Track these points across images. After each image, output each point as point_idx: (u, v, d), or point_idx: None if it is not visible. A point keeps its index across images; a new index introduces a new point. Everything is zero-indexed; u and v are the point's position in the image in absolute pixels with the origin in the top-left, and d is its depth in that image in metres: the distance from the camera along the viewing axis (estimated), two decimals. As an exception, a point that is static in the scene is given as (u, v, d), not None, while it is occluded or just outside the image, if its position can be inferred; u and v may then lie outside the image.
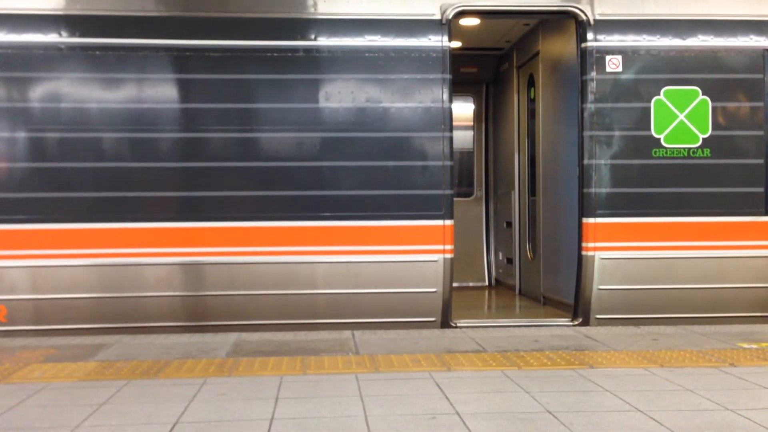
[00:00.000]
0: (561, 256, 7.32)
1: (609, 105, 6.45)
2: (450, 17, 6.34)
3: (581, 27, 6.48)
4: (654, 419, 3.60)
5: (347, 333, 5.91)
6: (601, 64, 6.44)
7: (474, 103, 9.74)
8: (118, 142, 6.19)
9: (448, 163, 6.32)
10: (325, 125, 6.26)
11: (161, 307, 6.17)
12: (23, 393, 4.16)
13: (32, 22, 6.09)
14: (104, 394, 4.13)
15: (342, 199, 6.29)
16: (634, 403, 3.88)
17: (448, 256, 6.31)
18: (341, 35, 6.31)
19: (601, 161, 6.44)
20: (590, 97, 6.43)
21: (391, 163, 6.31)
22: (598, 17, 6.46)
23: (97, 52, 6.13)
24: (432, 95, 6.30)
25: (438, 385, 4.26)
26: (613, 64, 6.45)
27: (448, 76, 6.31)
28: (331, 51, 6.30)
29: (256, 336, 5.82)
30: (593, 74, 6.43)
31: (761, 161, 6.53)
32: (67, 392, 4.19)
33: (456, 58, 6.85)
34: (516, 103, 8.77)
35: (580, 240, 6.50)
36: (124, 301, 6.12)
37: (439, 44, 6.32)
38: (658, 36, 6.49)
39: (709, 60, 6.51)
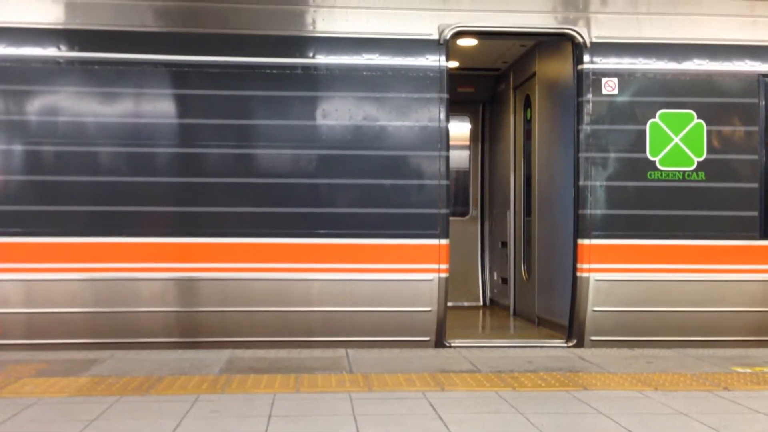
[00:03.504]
0: (556, 277, 7.32)
1: (605, 127, 6.48)
2: (448, 38, 6.38)
3: (578, 49, 6.53)
4: (648, 442, 3.59)
5: (341, 351, 5.89)
6: (597, 87, 6.48)
7: (471, 122, 9.78)
8: (114, 156, 6.19)
9: (445, 182, 6.33)
10: (322, 143, 6.27)
11: (155, 323, 6.14)
12: (14, 408, 4.12)
13: (31, 36, 6.10)
14: (95, 409, 4.09)
15: (338, 217, 6.28)
16: (628, 425, 3.87)
17: (443, 275, 6.30)
18: (339, 53, 6.34)
19: (596, 182, 6.46)
20: (586, 118, 6.46)
21: (387, 182, 6.32)
22: (594, 40, 6.51)
23: (96, 67, 6.14)
24: (429, 114, 6.33)
25: (432, 405, 4.24)
26: (609, 86, 6.49)
27: (445, 95, 6.34)
28: (329, 69, 6.32)
29: (249, 353, 5.79)
30: (589, 96, 6.47)
31: (756, 185, 6.56)
32: (59, 407, 4.16)
33: (453, 77, 6.89)
34: (512, 123, 8.80)
35: (575, 261, 6.50)
36: (118, 316, 6.09)
37: (437, 64, 6.35)
38: (654, 59, 6.53)
39: (705, 84, 6.56)
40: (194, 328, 6.18)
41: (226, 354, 5.72)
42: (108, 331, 6.07)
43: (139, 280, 6.12)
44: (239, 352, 5.79)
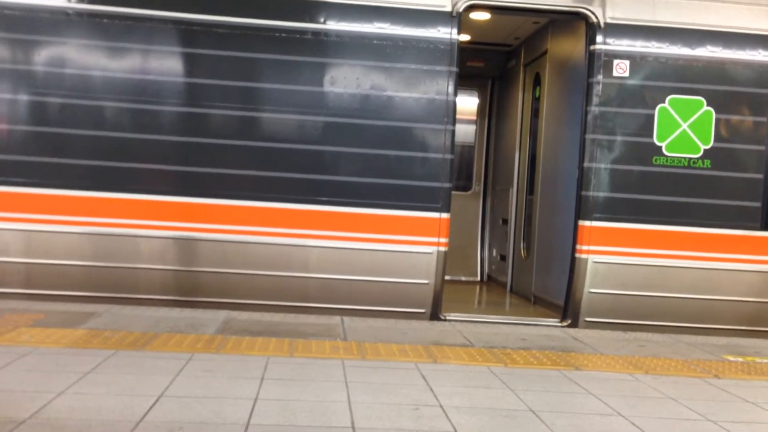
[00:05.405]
0: (554, 257, 7.33)
1: (613, 109, 6.45)
2: (461, 10, 6.32)
3: (591, 29, 6.47)
4: (635, 425, 3.62)
5: (336, 318, 5.92)
6: (608, 68, 6.43)
7: (478, 97, 9.73)
8: (119, 111, 6.17)
9: (449, 156, 6.31)
10: (328, 109, 6.25)
11: (153, 280, 6.17)
12: (9, 356, 4.16)
13: None
14: (90, 362, 4.13)
15: (340, 185, 6.28)
16: (616, 407, 3.90)
17: (443, 248, 6.31)
18: (350, 20, 6.29)
19: (601, 165, 6.44)
20: (595, 100, 6.42)
21: (392, 152, 6.31)
22: (608, 20, 6.45)
23: (104, 20, 6.09)
24: (437, 87, 6.29)
25: (423, 377, 4.27)
26: (621, 68, 6.45)
27: (454, 69, 6.30)
28: (340, 35, 6.28)
29: (245, 315, 5.82)
30: (600, 77, 6.43)
31: (761, 176, 6.55)
32: (54, 358, 4.20)
33: (464, 51, 6.84)
34: (520, 100, 8.76)
35: (574, 242, 6.51)
36: (116, 271, 6.12)
37: (448, 37, 6.30)
38: (667, 43, 6.48)
39: (716, 71, 6.51)
40: (192, 287, 6.21)
41: (222, 315, 5.76)
42: (106, 285, 6.10)
43: (140, 237, 6.14)
44: (235, 314, 5.83)
